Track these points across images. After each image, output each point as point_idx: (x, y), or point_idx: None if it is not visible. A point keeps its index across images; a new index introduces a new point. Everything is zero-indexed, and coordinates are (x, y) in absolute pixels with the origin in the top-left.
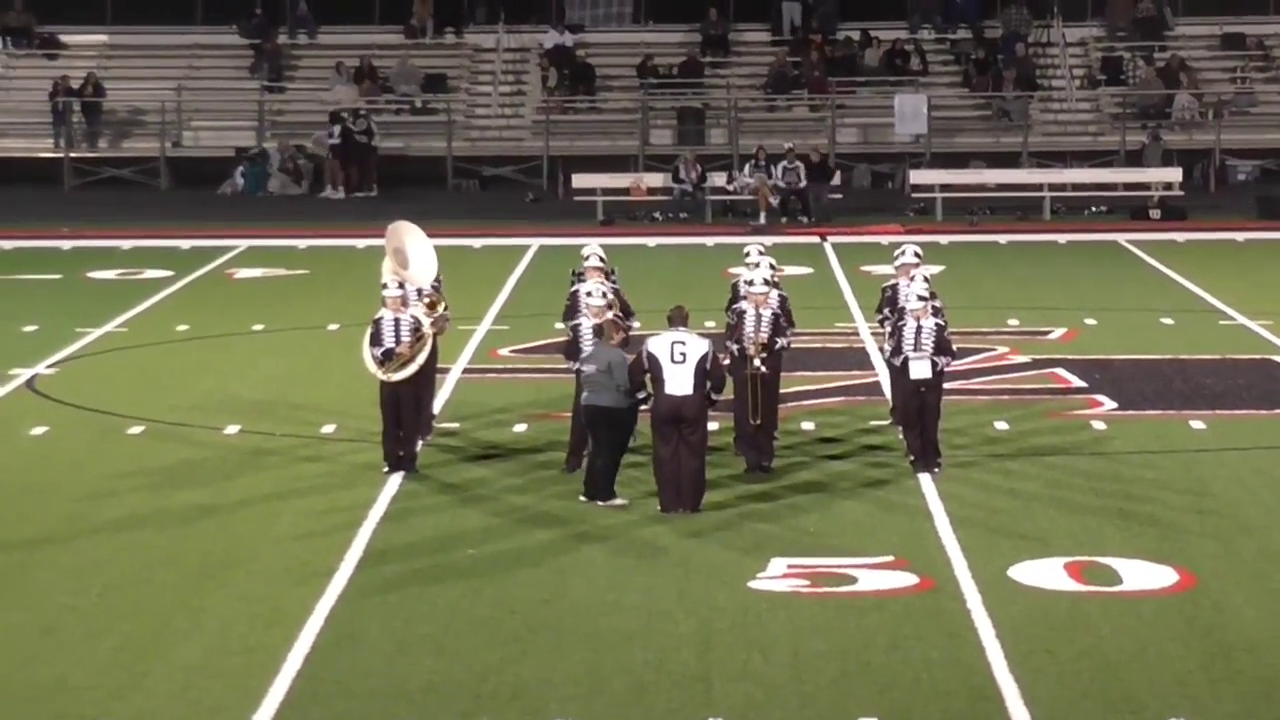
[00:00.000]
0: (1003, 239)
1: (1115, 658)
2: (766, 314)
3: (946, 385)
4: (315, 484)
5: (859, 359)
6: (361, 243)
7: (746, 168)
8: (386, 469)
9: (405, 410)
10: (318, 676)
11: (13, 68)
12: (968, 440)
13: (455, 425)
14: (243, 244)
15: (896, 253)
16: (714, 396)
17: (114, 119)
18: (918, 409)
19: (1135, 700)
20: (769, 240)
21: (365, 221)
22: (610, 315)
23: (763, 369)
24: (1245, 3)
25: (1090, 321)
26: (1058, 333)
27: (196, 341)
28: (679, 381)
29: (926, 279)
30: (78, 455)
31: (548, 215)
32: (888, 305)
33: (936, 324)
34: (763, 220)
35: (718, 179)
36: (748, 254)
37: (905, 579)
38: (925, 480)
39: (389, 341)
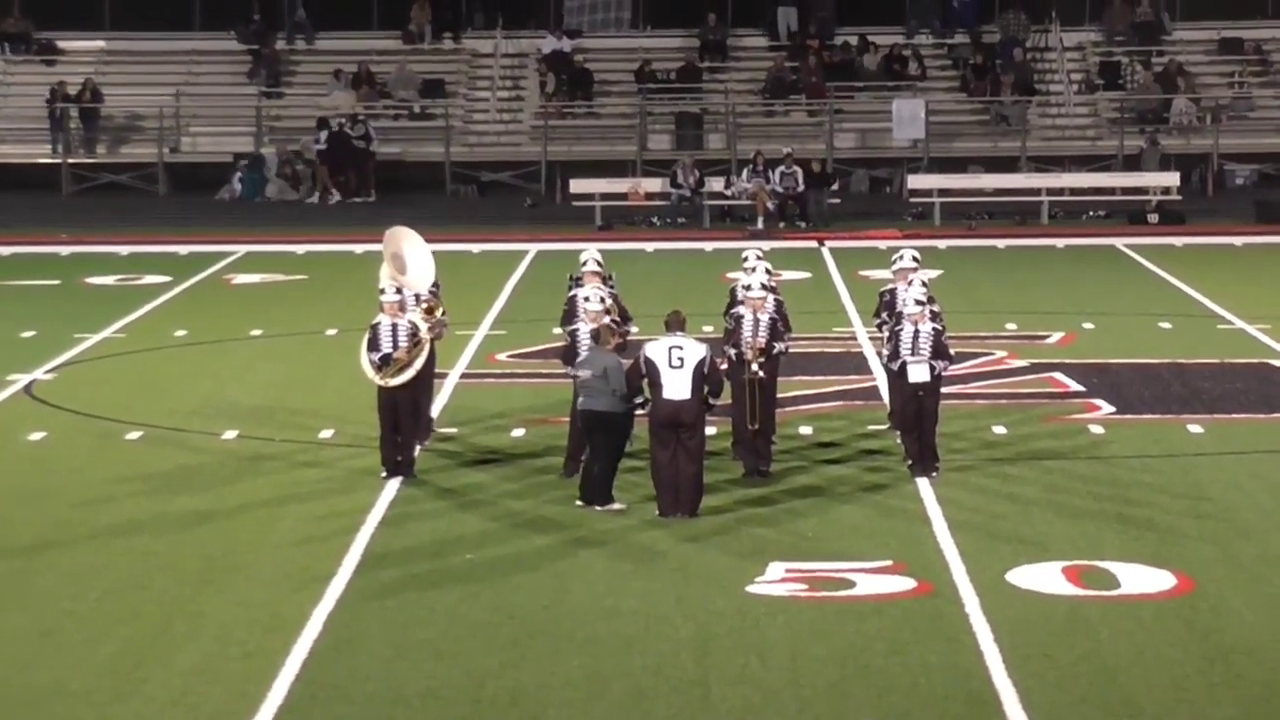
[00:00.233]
0: (1001, 243)
1: (1113, 662)
2: (764, 319)
3: (944, 390)
4: (313, 489)
5: (857, 364)
6: (359, 248)
7: (744, 173)
8: (384, 474)
9: (403, 415)
10: (316, 681)
11: (10, 74)
12: (966, 444)
13: (453, 430)
14: (241, 249)
15: (895, 257)
16: (712, 401)
17: (112, 125)
18: (916, 413)
19: (1134, 704)
20: (767, 245)
21: (363, 227)
22: (607, 320)
23: (760, 373)
24: (1243, 7)
25: (1088, 326)
26: (1056, 337)
27: (195, 347)
28: (677, 386)
29: (925, 283)
30: (76, 460)
31: (546, 220)
32: (885, 310)
33: (934, 328)
34: (760, 225)
35: (716, 184)
36: (745, 259)
37: (903, 583)
38: (923, 484)
39: (386, 347)
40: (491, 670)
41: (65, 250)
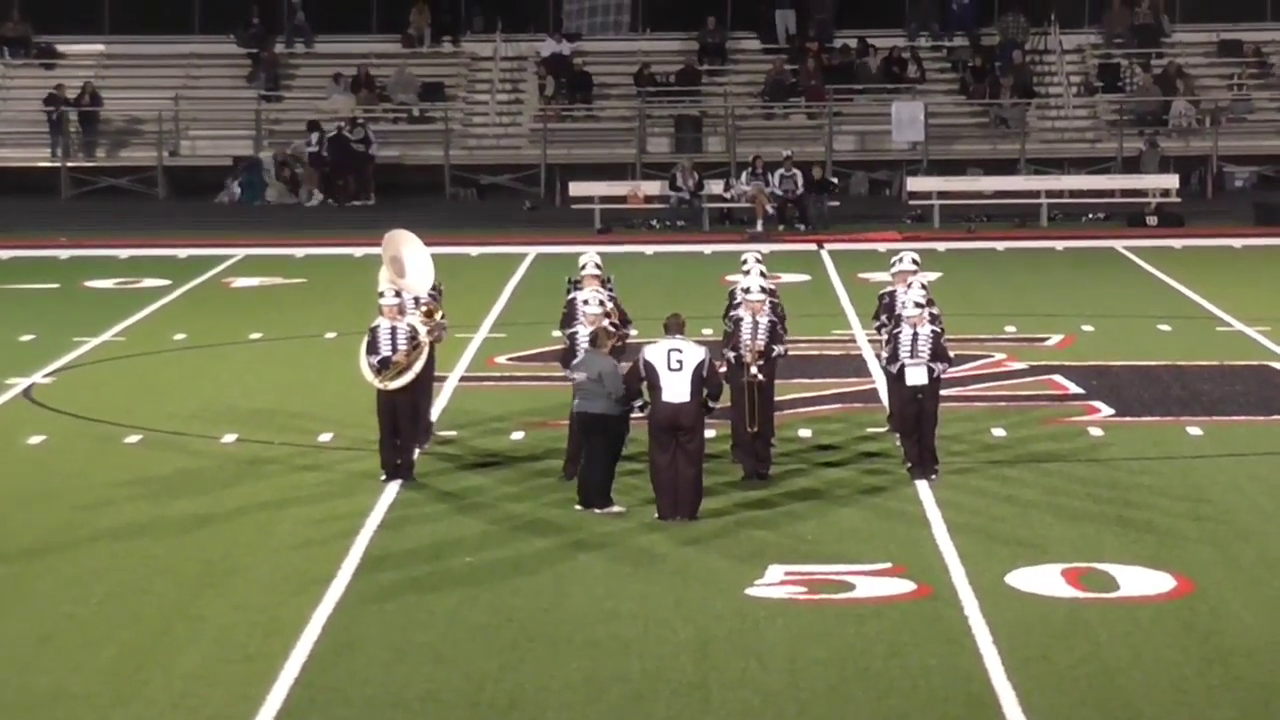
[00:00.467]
0: (1000, 246)
1: (1113, 664)
2: (763, 321)
3: (943, 392)
4: (313, 492)
5: (856, 366)
6: (359, 251)
7: (744, 175)
8: (384, 477)
9: (402, 418)
10: (316, 684)
11: (10, 77)
12: (965, 447)
13: (453, 433)
14: (240, 253)
15: (894, 260)
16: (711, 404)
17: (111, 128)
18: (915, 416)
19: (1133, 707)
20: (766, 248)
21: (362, 230)
22: (605, 323)
23: (759, 376)
24: (1242, 9)
25: (1087, 328)
26: (1055, 339)
27: (194, 350)
28: (676, 389)
29: (924, 286)
30: (75, 464)
31: (545, 223)
32: (885, 312)
33: (933, 330)
34: (760, 228)
35: (715, 187)
36: (744, 262)
37: (903, 586)
38: (922, 487)
39: (385, 350)
40: (491, 673)
41: (64, 254)
